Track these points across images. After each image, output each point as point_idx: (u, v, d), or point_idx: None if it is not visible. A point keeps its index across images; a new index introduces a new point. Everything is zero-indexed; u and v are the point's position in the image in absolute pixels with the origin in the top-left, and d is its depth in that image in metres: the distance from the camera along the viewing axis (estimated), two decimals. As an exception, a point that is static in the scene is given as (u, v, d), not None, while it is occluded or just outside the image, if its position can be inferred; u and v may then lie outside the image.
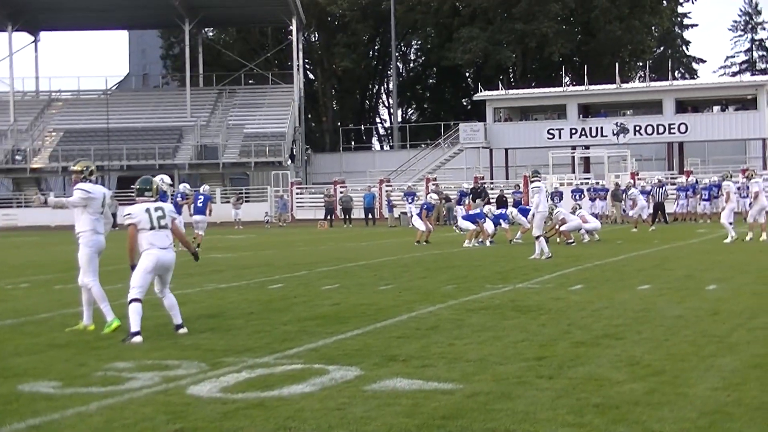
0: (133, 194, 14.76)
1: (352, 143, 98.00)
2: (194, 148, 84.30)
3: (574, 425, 8.11)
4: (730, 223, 33.38)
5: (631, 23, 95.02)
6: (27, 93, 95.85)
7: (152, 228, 14.26)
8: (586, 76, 79.97)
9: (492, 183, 72.88)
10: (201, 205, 37.51)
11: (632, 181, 58.31)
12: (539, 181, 28.68)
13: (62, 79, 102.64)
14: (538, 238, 27.45)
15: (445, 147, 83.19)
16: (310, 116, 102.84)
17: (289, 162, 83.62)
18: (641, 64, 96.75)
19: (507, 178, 76.77)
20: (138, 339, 13.48)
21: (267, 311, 16.41)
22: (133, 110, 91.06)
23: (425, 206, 39.85)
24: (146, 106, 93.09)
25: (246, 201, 71.31)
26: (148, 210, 14.31)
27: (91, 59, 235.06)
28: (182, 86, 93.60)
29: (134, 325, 13.63)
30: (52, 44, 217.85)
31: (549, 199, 31.79)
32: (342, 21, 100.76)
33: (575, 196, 54.32)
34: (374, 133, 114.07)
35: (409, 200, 59.12)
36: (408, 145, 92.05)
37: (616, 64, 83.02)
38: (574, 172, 73.41)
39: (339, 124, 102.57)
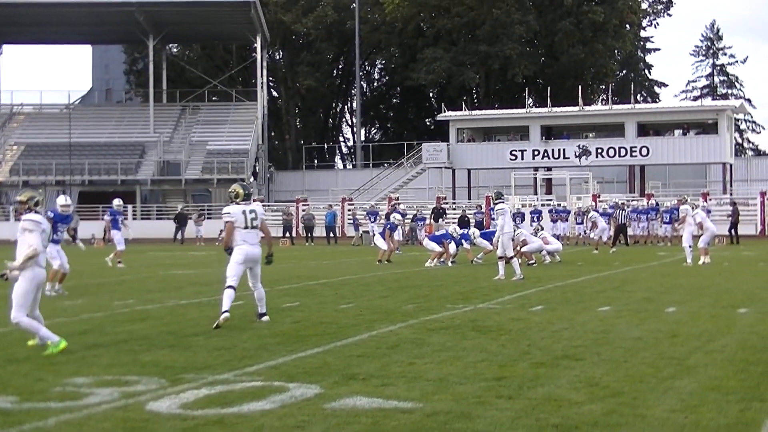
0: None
1: (315, 161, 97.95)
2: (157, 164, 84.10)
3: (533, 445, 8.14)
4: (689, 246, 33.64)
5: (594, 47, 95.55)
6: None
7: (246, 227, 17.16)
8: (549, 98, 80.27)
9: (454, 203, 73.04)
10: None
11: (593, 203, 58.51)
12: (503, 203, 28.72)
13: (24, 92, 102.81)
14: (504, 259, 27.47)
15: (407, 166, 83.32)
16: (273, 134, 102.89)
17: (252, 179, 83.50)
18: (604, 87, 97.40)
19: (469, 198, 76.94)
20: (226, 315, 16.60)
21: (227, 328, 16.37)
22: (96, 125, 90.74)
23: (388, 226, 39.98)
24: (109, 121, 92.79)
25: (208, 218, 71.12)
26: (244, 212, 17.20)
27: (54, 73, 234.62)
28: (145, 102, 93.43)
29: (225, 305, 16.69)
30: (15, 57, 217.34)
31: (512, 220, 31.85)
32: (306, 40, 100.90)
33: (534, 217, 54.44)
34: (337, 151, 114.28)
35: (372, 219, 58.95)
36: (371, 164, 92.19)
37: (579, 87, 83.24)
38: (536, 193, 73.80)
39: (302, 142, 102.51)
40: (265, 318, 17.39)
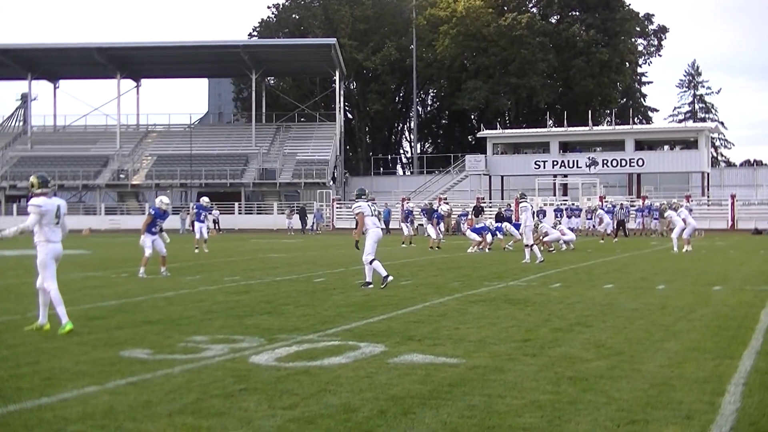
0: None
1: (381, 169, 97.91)
2: (257, 171, 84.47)
3: (552, 393, 8.10)
4: (676, 239, 33.68)
5: (601, 80, 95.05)
6: (129, 126, 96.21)
7: (372, 215, 19.04)
8: (565, 120, 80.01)
9: (491, 202, 72.81)
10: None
11: (600, 203, 58.11)
12: (526, 201, 28.62)
13: (156, 115, 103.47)
14: (529, 246, 27.39)
15: (454, 173, 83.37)
16: (348, 147, 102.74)
17: (331, 183, 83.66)
18: (608, 111, 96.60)
19: (502, 198, 76.59)
20: (389, 279, 18.50)
21: (312, 299, 16.43)
22: (211, 140, 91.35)
23: (435, 215, 40.06)
24: (220, 137, 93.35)
25: (296, 213, 71.35)
26: (369, 205, 19.16)
27: (179, 100, 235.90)
28: (249, 122, 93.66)
29: (382, 272, 18.49)
30: (150, 88, 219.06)
31: (534, 216, 31.76)
32: (374, 73, 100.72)
33: (556, 214, 54.07)
34: (398, 161, 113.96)
35: (427, 215, 58.77)
36: (425, 171, 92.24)
37: (589, 111, 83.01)
38: (555, 195, 73.45)
39: (371, 153, 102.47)
40: (389, 278, 18.67)
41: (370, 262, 18.68)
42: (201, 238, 35.74)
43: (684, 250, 33.22)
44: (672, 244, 34.02)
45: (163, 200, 23.78)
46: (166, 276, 22.50)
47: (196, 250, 34.88)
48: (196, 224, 36.31)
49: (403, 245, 37.20)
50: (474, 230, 35.98)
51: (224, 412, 7.48)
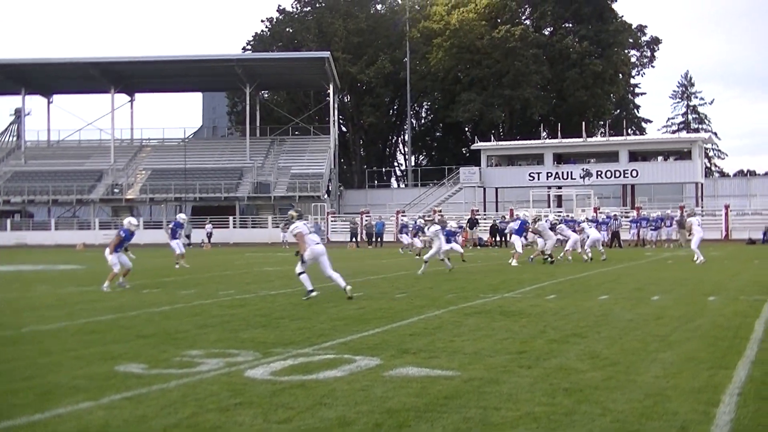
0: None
1: (375, 182, 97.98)
2: (252, 184, 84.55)
3: (548, 404, 8.11)
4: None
5: (595, 91, 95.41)
6: (124, 140, 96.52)
7: (309, 233, 19.46)
8: (559, 132, 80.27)
9: (485, 214, 72.91)
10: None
11: (595, 214, 58.11)
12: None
13: (151, 129, 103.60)
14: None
15: (448, 186, 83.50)
16: (342, 160, 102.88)
17: (326, 196, 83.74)
18: (602, 123, 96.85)
19: (497, 210, 76.71)
20: (313, 293, 18.80)
21: (307, 313, 16.41)
22: (205, 154, 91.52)
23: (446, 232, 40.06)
24: (215, 151, 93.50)
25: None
26: (305, 224, 19.66)
27: (174, 114, 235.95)
28: (243, 136, 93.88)
29: (308, 285, 18.88)
30: (144, 102, 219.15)
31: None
32: (368, 86, 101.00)
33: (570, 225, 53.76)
34: (393, 174, 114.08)
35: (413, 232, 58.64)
36: (419, 184, 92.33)
37: (583, 123, 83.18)
38: (549, 206, 73.54)
39: (365, 166, 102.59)
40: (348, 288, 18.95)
41: (299, 275, 19.12)
42: (180, 253, 35.23)
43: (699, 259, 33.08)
44: (695, 255, 33.46)
45: (131, 222, 24.22)
46: (125, 288, 22.70)
47: (177, 266, 34.52)
48: (172, 241, 35.89)
49: (401, 251, 37.19)
50: (517, 232, 34.63)
51: (220, 426, 7.48)
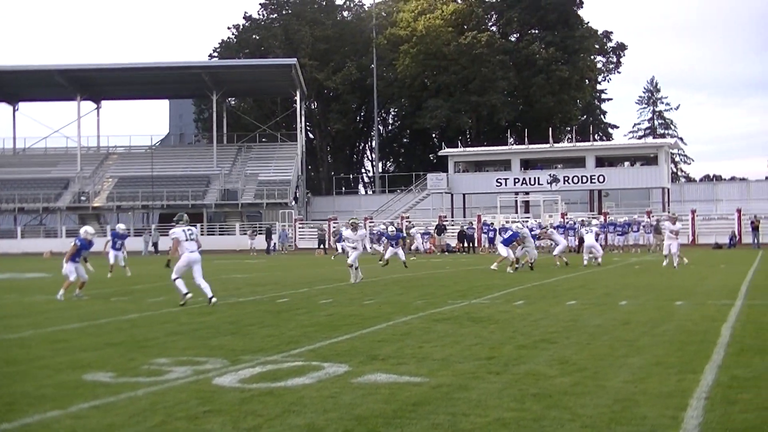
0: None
1: (343, 188, 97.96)
2: (219, 191, 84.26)
3: (517, 410, 8.12)
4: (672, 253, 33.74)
5: (561, 97, 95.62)
6: (90, 148, 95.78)
7: (187, 240, 19.76)
8: (526, 138, 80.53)
9: (453, 220, 73.00)
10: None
11: (562, 219, 58.25)
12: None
13: (117, 137, 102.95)
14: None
15: (416, 192, 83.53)
16: (309, 167, 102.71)
17: (294, 203, 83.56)
18: (569, 128, 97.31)
19: (464, 216, 76.76)
20: (188, 296, 19.28)
21: (276, 320, 16.38)
22: (172, 161, 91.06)
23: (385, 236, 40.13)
24: (182, 158, 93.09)
25: (259, 233, 71.12)
26: (184, 231, 19.80)
27: (140, 121, 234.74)
28: (210, 143, 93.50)
29: (183, 289, 19.45)
30: (111, 110, 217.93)
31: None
32: (335, 93, 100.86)
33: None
34: (360, 180, 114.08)
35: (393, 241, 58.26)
36: (387, 190, 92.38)
37: (550, 129, 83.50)
38: (517, 212, 73.69)
39: (332, 173, 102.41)
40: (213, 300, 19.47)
41: (174, 280, 19.72)
42: (115, 263, 34.18)
43: (665, 263, 33.40)
44: (673, 259, 33.65)
45: (87, 231, 24.21)
46: (81, 298, 22.48)
47: (110, 275, 32.64)
48: (111, 252, 34.69)
49: (380, 262, 37.10)
50: (505, 242, 33.99)
51: (188, 434, 7.44)
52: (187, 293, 19.47)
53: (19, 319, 17.49)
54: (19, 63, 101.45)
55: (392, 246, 37.37)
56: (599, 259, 36.17)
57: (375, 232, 56.13)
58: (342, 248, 26.45)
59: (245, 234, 71.99)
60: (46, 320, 17.02)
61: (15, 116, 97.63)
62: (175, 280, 19.73)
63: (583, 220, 51.52)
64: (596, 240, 37.37)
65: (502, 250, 32.86)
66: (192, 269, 19.59)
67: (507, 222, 60.19)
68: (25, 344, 13.49)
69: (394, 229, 41.48)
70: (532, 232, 36.18)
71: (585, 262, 35.53)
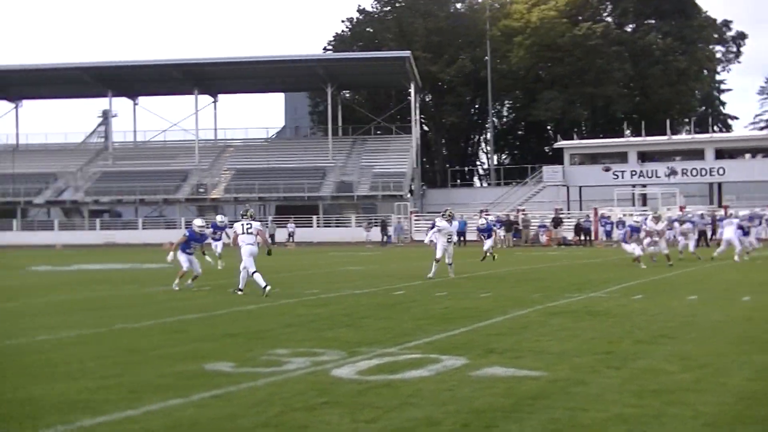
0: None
1: (458, 181, 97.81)
2: (334, 184, 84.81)
3: (636, 406, 8.02)
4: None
5: (679, 88, 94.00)
6: (208, 141, 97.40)
7: (243, 233, 21.19)
8: (643, 130, 79.27)
9: (568, 213, 72.31)
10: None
11: (681, 213, 57.25)
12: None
13: (234, 130, 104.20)
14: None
15: (531, 184, 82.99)
16: (424, 159, 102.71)
17: (409, 195, 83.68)
18: (687, 120, 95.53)
19: (581, 209, 75.98)
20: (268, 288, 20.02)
21: (391, 312, 16.44)
22: (288, 154, 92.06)
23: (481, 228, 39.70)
24: (298, 151, 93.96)
25: (375, 226, 71.42)
26: (242, 225, 21.34)
27: (256, 115, 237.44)
28: (325, 136, 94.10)
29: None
30: (227, 103, 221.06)
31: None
32: (450, 85, 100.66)
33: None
34: (475, 172, 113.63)
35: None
36: (502, 183, 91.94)
37: (667, 120, 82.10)
38: (634, 205, 72.76)
39: (447, 165, 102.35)
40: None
41: (253, 274, 20.58)
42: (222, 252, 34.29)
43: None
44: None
45: (196, 223, 24.39)
46: (191, 288, 22.80)
47: (220, 267, 32.44)
48: (213, 243, 34.16)
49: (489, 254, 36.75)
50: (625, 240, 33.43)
51: (307, 425, 7.52)
52: (266, 286, 20.11)
53: (140, 309, 17.88)
54: (138, 58, 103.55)
55: (485, 238, 37.53)
56: (736, 256, 34.29)
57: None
58: (431, 240, 25.93)
59: (361, 226, 72.42)
60: (165, 310, 17.36)
61: (135, 110, 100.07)
62: (253, 273, 20.50)
63: (703, 214, 50.47)
64: (745, 234, 36.03)
65: (626, 247, 32.10)
66: (243, 258, 20.79)
67: (624, 215, 59.42)
68: (146, 334, 13.78)
69: (484, 221, 40.61)
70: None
71: (715, 254, 34.80)
